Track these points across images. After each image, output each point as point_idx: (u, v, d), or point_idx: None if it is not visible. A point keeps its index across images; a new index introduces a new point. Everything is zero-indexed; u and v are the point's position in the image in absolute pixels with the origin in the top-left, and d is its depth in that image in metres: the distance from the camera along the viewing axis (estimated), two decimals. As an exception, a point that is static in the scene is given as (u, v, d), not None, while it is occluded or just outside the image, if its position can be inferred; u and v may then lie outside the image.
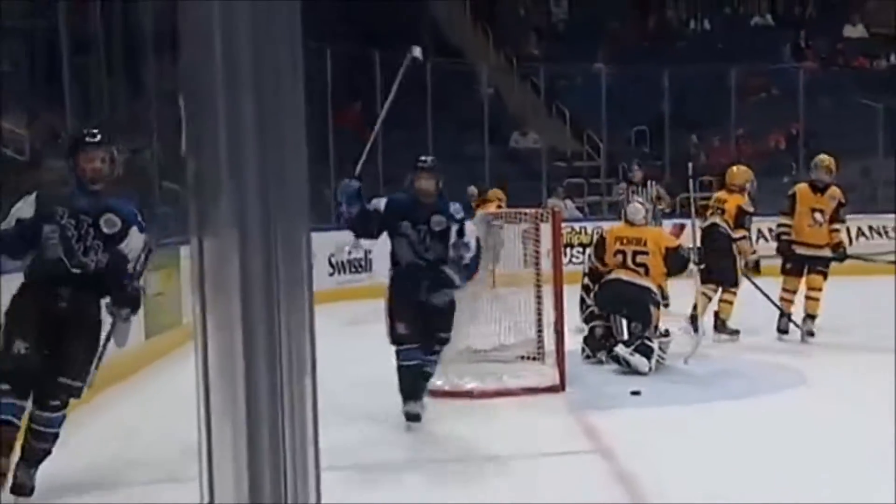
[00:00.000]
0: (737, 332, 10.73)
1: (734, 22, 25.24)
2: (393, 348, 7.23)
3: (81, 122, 10.18)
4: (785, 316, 10.52)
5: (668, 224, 11.62)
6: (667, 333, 9.12)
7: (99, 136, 5.83)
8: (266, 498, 0.74)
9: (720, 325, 10.66)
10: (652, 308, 9.04)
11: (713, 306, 10.77)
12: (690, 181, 10.43)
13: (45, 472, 5.79)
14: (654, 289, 9.09)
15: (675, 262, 9.22)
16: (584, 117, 21.05)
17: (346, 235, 15.60)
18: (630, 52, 22.69)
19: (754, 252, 10.77)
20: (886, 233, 18.05)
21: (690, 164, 10.75)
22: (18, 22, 10.51)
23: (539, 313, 9.07)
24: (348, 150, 15.85)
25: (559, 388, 8.23)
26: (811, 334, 10.31)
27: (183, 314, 10.47)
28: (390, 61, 17.80)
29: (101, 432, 6.96)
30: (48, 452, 5.60)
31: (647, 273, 9.11)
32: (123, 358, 8.68)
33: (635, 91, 20.52)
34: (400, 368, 7.17)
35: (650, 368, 8.76)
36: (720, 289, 10.69)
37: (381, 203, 7.36)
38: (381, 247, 15.99)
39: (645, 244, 9.22)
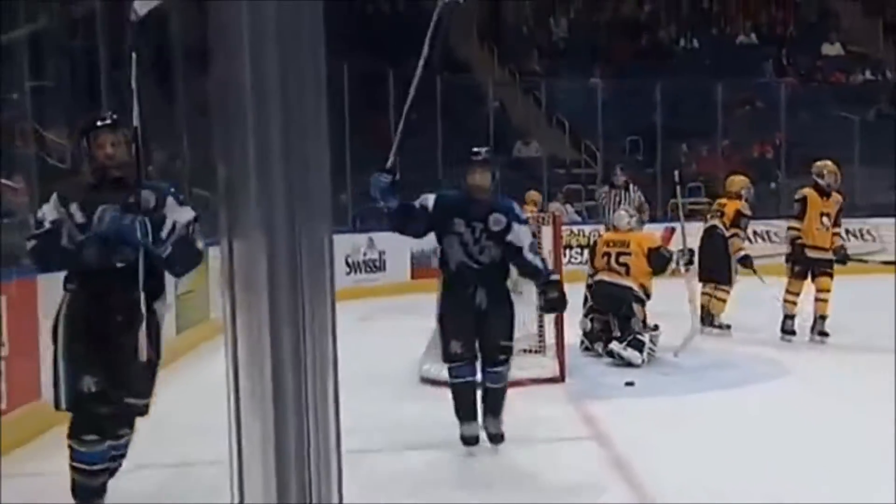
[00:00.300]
0: (728, 326, 10.77)
1: (721, 41, 25.22)
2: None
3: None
4: (790, 318, 10.29)
5: (660, 227, 11.57)
6: (656, 328, 9.12)
7: (110, 119, 4.92)
8: (292, 498, 0.72)
9: (710, 319, 10.66)
10: (635, 305, 9.09)
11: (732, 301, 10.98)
12: (678, 187, 10.41)
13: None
14: (636, 287, 9.14)
15: (657, 261, 9.22)
16: (581, 128, 21.07)
17: (362, 238, 15.77)
18: (624, 68, 22.70)
19: (740, 249, 10.79)
20: (862, 236, 18.07)
21: (677, 172, 10.79)
22: (61, 41, 10.54)
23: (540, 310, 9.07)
24: (363, 158, 15.92)
25: (559, 378, 8.23)
26: (826, 335, 10.07)
27: (210, 310, 10.48)
28: (403, 76, 17.93)
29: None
30: (118, 467, 5.06)
31: (627, 273, 9.17)
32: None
33: (629, 104, 20.52)
34: (453, 387, 6.23)
35: (643, 361, 8.77)
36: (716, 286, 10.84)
37: (429, 200, 6.16)
38: (394, 246, 16.16)
39: (628, 246, 9.31)
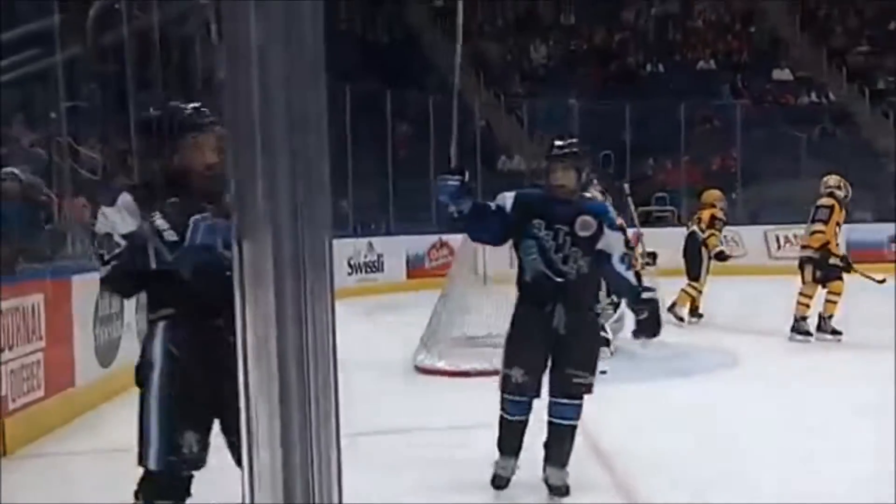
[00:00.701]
0: (682, 319, 10.83)
1: (683, 66, 25.27)
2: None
3: (144, 146, 10.24)
4: (804, 319, 9.85)
5: (629, 232, 11.64)
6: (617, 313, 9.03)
7: (208, 115, 3.53)
8: (298, 497, 0.71)
9: (670, 308, 10.66)
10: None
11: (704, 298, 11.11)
12: (629, 198, 10.39)
13: (107, 438, 5.78)
14: None
15: None
16: (559, 144, 21.10)
17: (362, 242, 15.77)
18: (597, 90, 22.74)
19: (716, 246, 10.92)
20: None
21: (627, 185, 11.01)
22: (93, 66, 10.55)
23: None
24: (363, 170, 15.93)
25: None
26: (839, 333, 9.69)
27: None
28: (399, 97, 18.01)
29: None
30: None
31: None
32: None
33: (601, 122, 20.56)
34: (501, 421, 4.85)
35: (611, 353, 8.74)
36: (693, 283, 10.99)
37: (507, 199, 4.77)
38: (391, 250, 16.14)
39: None
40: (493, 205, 4.78)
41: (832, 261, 9.74)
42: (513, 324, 4.86)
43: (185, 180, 3.39)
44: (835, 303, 9.79)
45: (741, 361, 8.72)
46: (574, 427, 4.77)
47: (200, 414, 3.34)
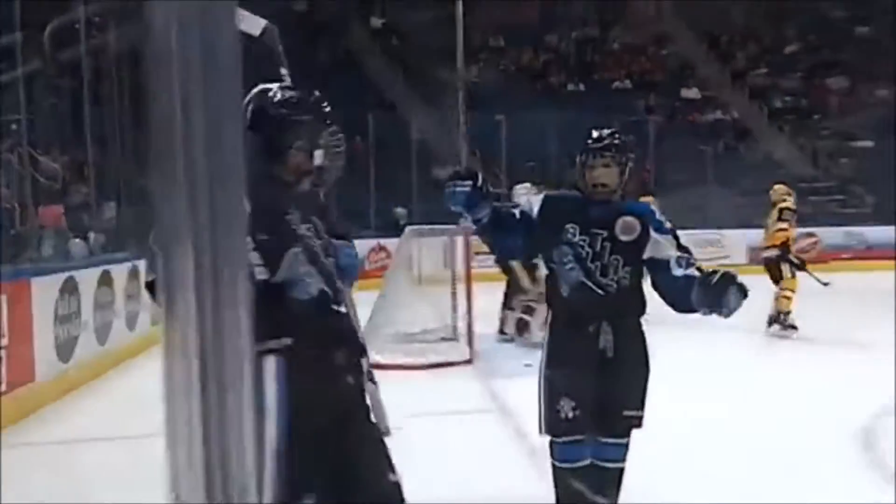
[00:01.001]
0: None
1: (601, 85, 25.52)
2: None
3: (100, 156, 10.13)
4: (788, 314, 9.69)
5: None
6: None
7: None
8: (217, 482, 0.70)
9: None
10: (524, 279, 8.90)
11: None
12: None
13: (65, 431, 5.67)
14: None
15: None
16: (488, 155, 21.18)
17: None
18: (523, 106, 22.87)
19: None
20: (714, 244, 18.48)
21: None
22: (51, 81, 10.38)
23: (454, 304, 9.05)
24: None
25: (469, 361, 8.21)
26: (796, 327, 9.65)
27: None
28: (341, 114, 17.96)
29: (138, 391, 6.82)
30: None
31: None
32: (135, 341, 8.54)
33: (527, 136, 20.70)
34: (556, 472, 3.75)
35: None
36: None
37: (533, 203, 3.81)
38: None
39: None
40: (516, 211, 3.77)
41: (791, 258, 9.74)
42: (550, 347, 3.74)
43: (291, 190, 2.57)
44: (790, 299, 9.73)
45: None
46: (622, 470, 3.72)
47: (323, 471, 2.50)
